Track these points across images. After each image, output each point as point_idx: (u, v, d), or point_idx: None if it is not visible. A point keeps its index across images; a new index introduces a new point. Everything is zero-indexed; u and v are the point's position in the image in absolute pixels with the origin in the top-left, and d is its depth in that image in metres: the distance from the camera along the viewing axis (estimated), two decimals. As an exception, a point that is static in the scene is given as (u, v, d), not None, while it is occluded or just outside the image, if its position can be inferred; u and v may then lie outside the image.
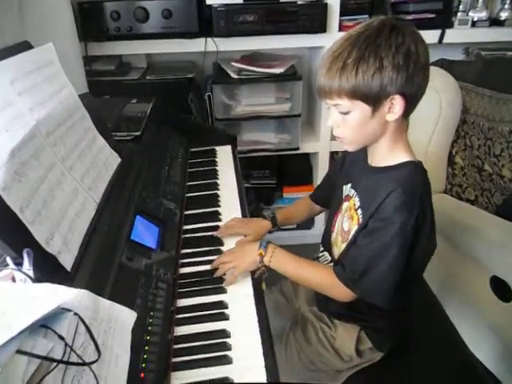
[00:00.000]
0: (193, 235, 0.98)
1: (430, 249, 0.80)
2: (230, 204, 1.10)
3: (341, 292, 0.81)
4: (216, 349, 0.68)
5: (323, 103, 1.69)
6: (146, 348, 0.62)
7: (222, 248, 0.93)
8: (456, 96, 1.47)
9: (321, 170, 1.89)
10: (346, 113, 0.75)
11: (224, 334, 0.70)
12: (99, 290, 0.62)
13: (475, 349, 1.00)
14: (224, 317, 0.74)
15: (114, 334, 0.55)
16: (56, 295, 0.52)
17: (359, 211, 0.82)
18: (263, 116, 1.69)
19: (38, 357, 0.44)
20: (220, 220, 1.03)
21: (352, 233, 0.83)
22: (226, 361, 0.65)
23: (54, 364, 0.45)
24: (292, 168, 2.00)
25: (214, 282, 0.83)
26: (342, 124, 0.77)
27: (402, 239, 0.73)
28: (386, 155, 0.80)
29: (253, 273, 0.85)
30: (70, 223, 0.68)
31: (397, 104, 0.72)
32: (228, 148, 1.40)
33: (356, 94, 0.72)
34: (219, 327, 0.72)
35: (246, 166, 1.90)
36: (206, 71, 1.77)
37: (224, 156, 1.36)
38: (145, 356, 0.61)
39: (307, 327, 0.94)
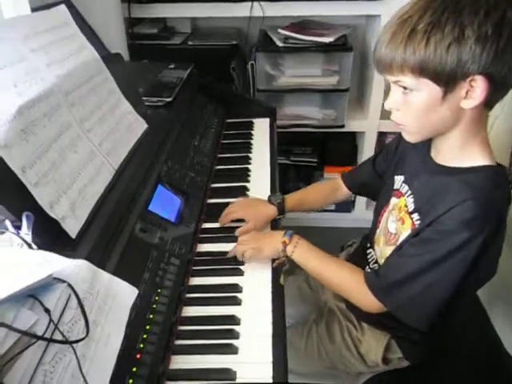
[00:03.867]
0: (217, 210, 0.92)
1: (489, 277, 0.68)
2: (259, 180, 1.03)
3: (367, 300, 0.70)
4: (222, 335, 0.63)
5: (375, 78, 1.61)
6: (147, 327, 0.59)
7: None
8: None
9: (367, 151, 1.76)
10: (409, 92, 0.61)
11: (233, 320, 0.65)
12: (104, 260, 0.59)
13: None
14: (236, 301, 0.69)
15: (110, 311, 0.52)
16: (50, 264, 0.49)
17: (415, 216, 0.69)
18: (308, 89, 1.58)
19: (15, 330, 0.41)
20: (247, 196, 0.97)
21: (401, 238, 0.72)
22: (231, 350, 0.60)
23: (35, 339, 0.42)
24: (336, 147, 1.88)
25: (231, 262, 0.78)
26: (402, 107, 0.63)
27: (460, 260, 0.60)
28: (457, 153, 0.65)
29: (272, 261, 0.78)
30: (81, 188, 0.64)
31: (477, 87, 0.57)
32: (266, 121, 1.33)
33: (424, 71, 0.57)
34: (229, 312, 0.67)
35: (287, 141, 1.82)
36: (252, 39, 1.68)
37: (261, 129, 1.29)
38: (144, 336, 0.57)
39: (333, 323, 0.86)
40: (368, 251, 0.85)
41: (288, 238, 0.76)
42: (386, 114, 1.71)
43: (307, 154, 1.89)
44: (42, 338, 0.42)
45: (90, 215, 0.63)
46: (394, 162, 0.82)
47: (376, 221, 0.83)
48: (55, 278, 0.49)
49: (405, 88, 0.61)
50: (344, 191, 0.96)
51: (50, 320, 0.44)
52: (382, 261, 0.78)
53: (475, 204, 0.59)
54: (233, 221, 0.87)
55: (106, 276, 0.55)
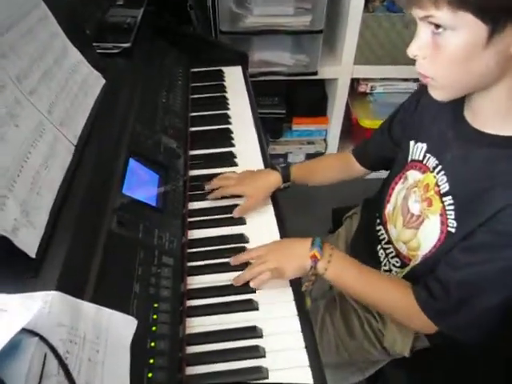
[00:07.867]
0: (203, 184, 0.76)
1: None
2: (246, 143, 0.87)
3: (420, 322, 0.58)
4: (244, 355, 0.50)
5: (350, 17, 1.44)
6: (151, 361, 0.44)
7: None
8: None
9: (338, 100, 1.63)
10: (442, 32, 0.46)
11: (254, 332, 0.52)
12: (80, 283, 0.42)
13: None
14: (252, 306, 0.55)
15: (104, 361, 0.36)
16: (8, 315, 0.32)
17: (447, 199, 0.57)
18: (278, 30, 1.39)
19: None
20: (236, 164, 0.81)
21: (426, 222, 0.60)
22: (260, 374, 0.48)
23: None
24: (304, 96, 1.73)
25: (235, 250, 0.63)
26: (432, 53, 0.48)
27: None
28: (505, 115, 0.51)
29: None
30: (32, 179, 0.46)
31: None
32: (238, 69, 1.14)
33: (465, 2, 0.43)
34: (246, 322, 0.53)
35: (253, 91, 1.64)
36: (209, -31, 1.42)
37: (234, 80, 1.10)
38: (149, 375, 0.43)
39: (349, 314, 0.75)
40: (378, 228, 0.73)
41: (318, 250, 0.58)
42: (359, 59, 1.58)
43: (274, 105, 1.73)
44: None
45: (50, 217, 0.45)
46: (410, 124, 0.68)
47: (386, 193, 0.71)
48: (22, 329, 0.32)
49: (437, 26, 0.46)
50: (357, 168, 0.82)
51: (23, 411, 0.28)
52: (399, 244, 0.67)
53: None
54: (227, 197, 0.72)
55: (90, 309, 0.39)
